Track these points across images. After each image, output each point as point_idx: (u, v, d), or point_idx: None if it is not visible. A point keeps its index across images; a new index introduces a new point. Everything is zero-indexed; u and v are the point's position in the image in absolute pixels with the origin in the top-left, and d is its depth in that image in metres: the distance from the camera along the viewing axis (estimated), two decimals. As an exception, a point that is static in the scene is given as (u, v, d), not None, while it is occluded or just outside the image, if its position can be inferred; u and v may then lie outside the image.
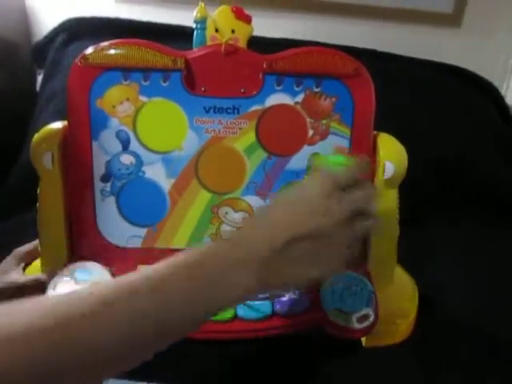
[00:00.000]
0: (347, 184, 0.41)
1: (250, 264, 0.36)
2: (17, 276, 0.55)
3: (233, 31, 0.52)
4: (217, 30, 0.52)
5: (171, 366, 0.50)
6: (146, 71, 0.52)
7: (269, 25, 0.75)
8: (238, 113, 0.53)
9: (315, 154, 0.53)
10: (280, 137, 0.55)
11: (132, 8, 0.92)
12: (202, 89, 0.53)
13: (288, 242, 0.37)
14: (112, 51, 0.52)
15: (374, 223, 0.43)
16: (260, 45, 0.54)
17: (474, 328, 0.57)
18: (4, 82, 0.88)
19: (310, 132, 0.55)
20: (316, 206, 0.39)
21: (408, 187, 0.56)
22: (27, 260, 0.58)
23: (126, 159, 0.54)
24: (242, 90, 0.53)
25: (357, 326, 0.50)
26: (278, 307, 0.52)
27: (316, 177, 0.41)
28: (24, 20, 0.95)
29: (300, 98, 0.53)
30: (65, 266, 0.53)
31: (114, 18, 0.90)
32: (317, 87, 0.53)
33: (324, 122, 0.54)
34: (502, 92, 0.93)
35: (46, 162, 0.53)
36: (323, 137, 0.55)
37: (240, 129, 0.54)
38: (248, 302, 0.52)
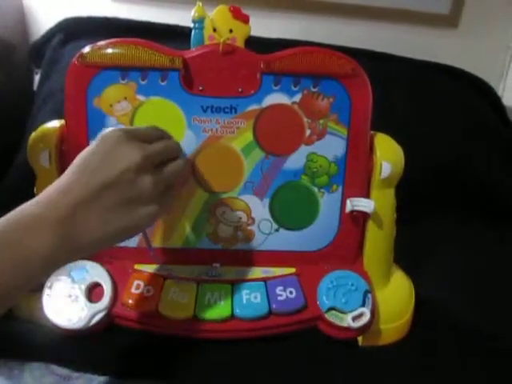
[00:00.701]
0: (148, 136, 0.44)
1: (47, 220, 0.36)
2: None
3: (231, 31, 0.52)
4: (215, 30, 0.52)
5: (167, 365, 0.50)
6: (143, 70, 0.52)
7: (266, 25, 0.75)
8: (236, 112, 0.54)
9: None
10: (277, 136, 0.55)
11: (129, 7, 0.92)
12: (200, 88, 0.53)
13: (90, 196, 0.38)
14: (110, 50, 0.51)
15: (182, 165, 0.46)
16: (257, 45, 0.54)
17: (471, 328, 0.58)
18: (1, 82, 0.88)
19: (308, 132, 0.55)
20: (113, 153, 0.40)
21: (405, 187, 0.56)
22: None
23: (124, 158, 0.54)
24: (240, 90, 0.53)
25: (353, 325, 0.51)
26: (274, 306, 0.52)
27: (116, 131, 0.42)
28: (21, 19, 0.95)
29: (297, 97, 0.54)
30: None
31: (112, 18, 0.90)
32: (314, 87, 0.53)
33: (321, 121, 0.54)
34: (499, 93, 0.94)
35: (43, 161, 0.53)
36: (320, 137, 0.55)
37: (237, 128, 0.54)
38: (244, 301, 0.52)
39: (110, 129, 0.43)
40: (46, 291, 0.50)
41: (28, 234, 0.35)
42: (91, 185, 0.38)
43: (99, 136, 0.42)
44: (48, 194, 0.38)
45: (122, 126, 0.53)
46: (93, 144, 0.41)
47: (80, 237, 0.37)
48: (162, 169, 0.43)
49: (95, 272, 0.52)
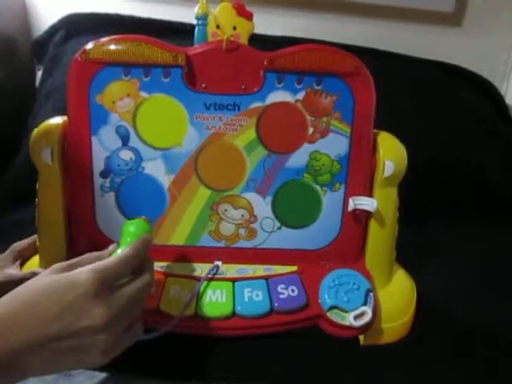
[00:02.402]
0: (118, 279, 0.40)
1: None
2: (14, 271, 0.55)
3: (234, 28, 0.52)
4: (218, 27, 0.52)
5: (168, 362, 0.50)
6: (146, 67, 0.52)
7: (269, 22, 0.75)
8: (239, 110, 0.53)
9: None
10: (280, 134, 0.55)
11: (132, 4, 0.92)
12: (203, 85, 0.53)
13: (44, 341, 0.36)
14: (112, 46, 0.51)
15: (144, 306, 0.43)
16: (260, 42, 0.54)
17: (472, 327, 0.58)
18: (4, 78, 0.88)
19: (311, 130, 0.54)
20: (79, 307, 0.37)
21: (408, 186, 0.56)
22: (25, 255, 0.58)
23: (126, 155, 0.54)
24: (243, 87, 0.53)
25: (354, 323, 0.50)
26: (276, 305, 0.52)
27: (84, 273, 0.38)
28: (24, 16, 0.95)
29: (301, 95, 0.53)
30: (63, 261, 0.53)
31: (114, 14, 0.90)
32: (317, 85, 0.53)
33: (324, 119, 0.54)
34: (502, 91, 0.94)
35: (46, 158, 0.52)
36: (323, 135, 0.55)
37: (240, 126, 0.54)
38: (246, 299, 0.52)
39: (83, 272, 0.38)
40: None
41: None
42: (44, 331, 0.36)
43: (70, 280, 0.38)
44: (3, 320, 0.35)
45: (125, 123, 0.53)
46: (61, 284, 0.38)
47: (22, 372, 0.36)
48: (126, 317, 0.40)
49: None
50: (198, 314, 0.51)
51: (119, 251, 0.43)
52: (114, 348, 0.39)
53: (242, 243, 0.57)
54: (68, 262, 0.42)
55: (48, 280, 0.38)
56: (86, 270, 0.39)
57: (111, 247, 0.46)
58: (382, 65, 0.77)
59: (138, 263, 0.43)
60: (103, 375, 0.48)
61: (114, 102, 0.53)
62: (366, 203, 0.54)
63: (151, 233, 0.47)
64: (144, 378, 0.49)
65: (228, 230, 0.57)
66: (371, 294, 0.53)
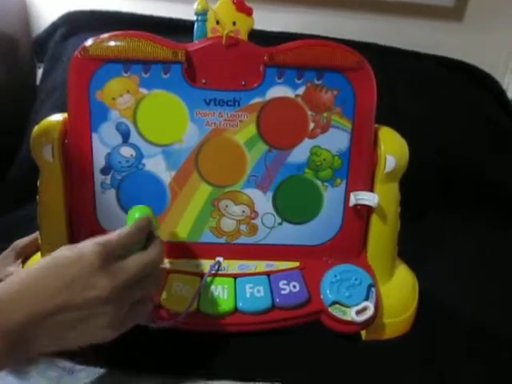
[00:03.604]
0: (123, 250, 0.41)
1: None
2: (15, 268, 0.55)
3: (234, 23, 0.52)
4: (218, 22, 0.52)
5: (170, 358, 0.50)
6: (146, 63, 0.52)
7: (269, 18, 0.74)
8: (239, 105, 0.53)
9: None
10: (281, 130, 0.54)
11: (132, 1, 0.92)
12: (203, 81, 0.52)
13: (47, 313, 0.36)
14: (112, 43, 0.51)
15: (155, 286, 0.44)
16: (260, 38, 0.53)
17: (474, 323, 0.57)
18: (4, 76, 0.88)
19: (311, 125, 0.54)
20: (83, 279, 0.37)
21: (409, 181, 0.56)
22: (27, 252, 0.58)
23: (126, 152, 0.54)
24: (243, 83, 0.53)
25: (356, 319, 0.50)
26: (277, 300, 0.52)
27: (89, 247, 0.39)
28: (24, 14, 0.95)
29: (301, 90, 0.53)
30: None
31: (114, 12, 0.89)
32: (318, 80, 0.53)
33: (325, 115, 0.54)
34: (504, 86, 0.93)
35: (47, 155, 0.52)
36: (324, 130, 0.55)
37: (241, 121, 0.54)
38: (247, 295, 0.52)
39: (87, 245, 0.39)
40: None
41: None
42: (51, 304, 0.37)
43: (76, 250, 0.39)
44: (6, 295, 0.36)
45: (125, 120, 0.53)
46: (67, 257, 0.39)
47: (31, 347, 0.37)
48: (132, 291, 0.41)
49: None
50: (200, 310, 0.51)
51: None
52: (122, 322, 0.40)
53: (243, 239, 0.57)
54: (75, 245, 0.42)
55: (53, 255, 0.39)
56: (90, 243, 0.40)
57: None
58: (383, 60, 0.76)
59: (144, 238, 0.44)
60: (105, 372, 0.49)
61: (113, 99, 0.53)
62: (367, 198, 0.54)
63: (153, 217, 0.48)
64: (146, 375, 0.49)
65: (229, 226, 0.57)
66: (373, 289, 0.53)
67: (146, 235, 0.44)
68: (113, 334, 0.40)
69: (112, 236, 0.41)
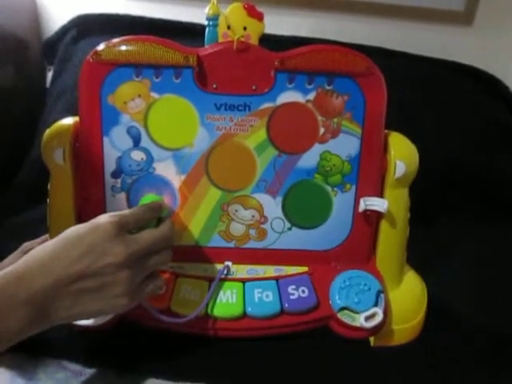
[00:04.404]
0: (136, 224, 0.45)
1: (21, 300, 0.37)
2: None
3: (245, 28, 0.52)
4: (229, 27, 0.52)
5: (178, 362, 0.50)
6: (157, 68, 0.52)
7: (278, 22, 0.74)
8: (249, 110, 0.53)
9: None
10: (291, 135, 0.54)
11: (142, 5, 0.92)
12: (214, 86, 0.53)
13: (67, 281, 0.39)
14: (124, 47, 0.51)
15: (166, 259, 0.46)
16: (270, 42, 0.53)
17: (483, 329, 0.57)
18: (14, 79, 0.88)
19: (321, 130, 0.54)
20: (99, 246, 0.40)
21: (418, 187, 0.56)
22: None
23: (137, 155, 0.54)
24: (254, 88, 0.53)
25: (365, 325, 0.50)
26: (286, 305, 0.52)
27: (104, 217, 0.43)
28: (34, 17, 0.96)
29: (311, 95, 0.53)
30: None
31: (124, 15, 0.90)
32: (328, 85, 0.53)
33: (335, 120, 0.54)
34: (513, 91, 0.93)
35: (57, 158, 0.53)
36: (334, 135, 0.54)
37: (251, 126, 0.54)
38: (256, 299, 0.52)
39: (102, 217, 0.43)
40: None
41: (1, 313, 0.36)
42: (70, 271, 0.39)
43: (91, 223, 0.42)
44: (26, 267, 0.38)
45: (136, 124, 0.53)
46: (83, 228, 0.42)
47: (53, 314, 0.39)
48: (146, 262, 0.44)
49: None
50: (209, 315, 0.51)
51: None
52: (136, 291, 0.43)
53: (253, 244, 0.57)
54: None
55: (71, 229, 0.42)
56: (106, 214, 0.43)
57: None
58: (392, 64, 0.76)
59: (154, 218, 0.47)
60: (113, 374, 0.49)
61: (125, 103, 0.53)
62: (376, 204, 0.54)
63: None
64: (154, 378, 0.49)
65: (238, 230, 0.57)
66: (382, 295, 0.52)
67: (157, 216, 0.48)
68: (128, 304, 0.42)
69: (126, 211, 0.45)
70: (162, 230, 0.46)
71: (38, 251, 0.40)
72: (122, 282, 0.41)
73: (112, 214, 0.43)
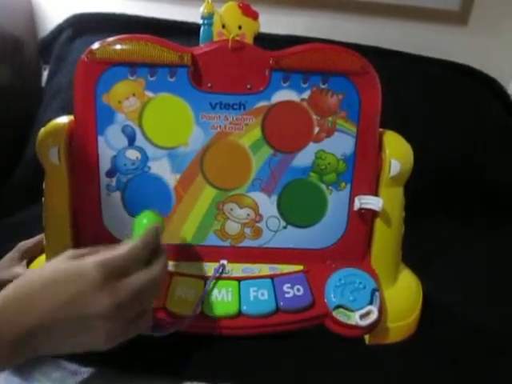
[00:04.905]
0: (128, 266, 0.41)
1: (3, 341, 0.36)
2: (20, 270, 0.55)
3: (240, 27, 0.52)
4: (224, 26, 0.52)
5: (174, 361, 0.50)
6: (152, 67, 0.52)
7: (274, 21, 0.75)
8: (244, 109, 0.53)
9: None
10: (286, 133, 0.55)
11: (138, 4, 0.92)
12: (209, 85, 0.53)
13: (47, 324, 0.37)
14: (118, 46, 0.51)
15: (156, 297, 0.44)
16: (265, 41, 0.53)
17: (478, 326, 0.57)
18: (10, 78, 0.88)
19: (316, 129, 0.54)
20: (84, 296, 0.38)
21: (415, 186, 0.56)
22: (32, 254, 0.58)
23: (132, 154, 0.54)
24: (249, 86, 0.53)
25: (360, 323, 0.50)
26: (281, 304, 0.52)
27: (92, 265, 0.40)
28: (30, 16, 0.96)
29: (306, 94, 0.53)
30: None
31: (120, 14, 0.90)
32: (323, 84, 0.53)
33: (330, 119, 0.54)
34: (509, 91, 0.93)
35: (52, 157, 0.53)
36: (329, 134, 0.55)
37: (246, 125, 0.54)
38: (251, 298, 0.52)
39: (90, 263, 0.40)
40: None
41: None
42: (55, 315, 0.38)
43: (78, 267, 0.40)
44: (11, 303, 0.38)
45: (131, 123, 0.53)
46: (71, 272, 0.40)
47: (33, 350, 0.38)
48: (133, 307, 0.41)
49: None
50: (204, 313, 0.51)
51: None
52: (119, 335, 0.41)
53: (248, 242, 0.57)
54: (81, 251, 0.43)
55: (59, 268, 0.40)
56: (94, 261, 0.40)
57: (122, 244, 0.46)
58: (387, 63, 0.76)
59: (148, 254, 0.44)
60: (109, 374, 0.49)
61: (120, 102, 0.53)
62: (371, 202, 0.54)
63: (162, 224, 0.48)
64: (149, 377, 0.49)
65: (233, 229, 0.57)
66: (377, 293, 0.53)
67: (151, 251, 0.44)
68: (110, 345, 0.41)
69: (116, 253, 0.41)
70: (153, 271, 0.43)
71: (26, 287, 0.39)
72: (104, 329, 0.39)
73: (102, 260, 0.40)
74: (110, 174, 0.55)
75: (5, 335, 0.36)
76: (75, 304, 0.38)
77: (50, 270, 0.40)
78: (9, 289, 0.39)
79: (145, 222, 0.47)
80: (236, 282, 0.54)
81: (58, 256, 0.42)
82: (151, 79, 0.52)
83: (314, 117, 0.54)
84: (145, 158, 0.55)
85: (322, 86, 0.53)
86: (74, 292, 0.38)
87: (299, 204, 0.57)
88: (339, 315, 0.51)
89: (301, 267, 0.56)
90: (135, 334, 0.43)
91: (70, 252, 0.42)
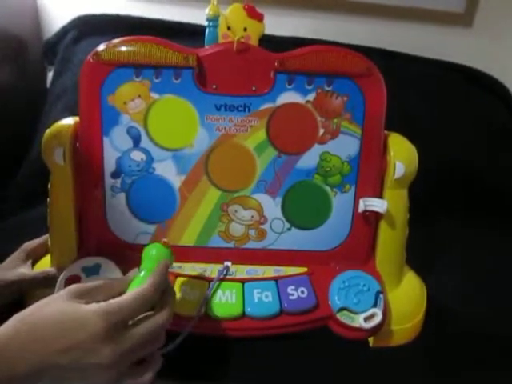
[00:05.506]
0: (134, 315, 0.40)
1: (1, 377, 0.35)
2: (25, 270, 0.55)
3: (245, 29, 0.52)
4: (229, 28, 0.52)
5: (178, 362, 0.50)
6: (157, 68, 0.52)
7: (278, 23, 0.74)
8: (249, 111, 0.53)
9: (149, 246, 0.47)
10: (290, 135, 0.55)
11: (143, 5, 0.92)
12: (214, 86, 0.53)
13: (48, 368, 0.36)
14: (124, 48, 0.52)
15: (157, 348, 0.42)
16: (270, 43, 0.54)
17: (482, 329, 0.57)
18: (15, 79, 0.89)
19: (321, 131, 0.54)
20: (87, 345, 0.37)
21: (418, 187, 0.56)
22: (37, 254, 0.58)
23: (137, 156, 0.55)
24: (254, 88, 0.53)
25: (364, 325, 0.50)
26: (285, 306, 0.52)
27: (96, 315, 0.38)
28: (35, 17, 0.96)
29: (311, 96, 0.53)
30: (74, 261, 0.53)
31: (124, 16, 0.90)
32: (328, 86, 0.53)
33: (335, 120, 0.54)
34: (513, 92, 0.93)
35: (58, 158, 0.53)
36: (334, 136, 0.55)
37: (251, 127, 0.54)
38: (255, 300, 0.52)
39: (94, 314, 0.38)
40: (59, 287, 0.51)
41: None
42: (57, 360, 0.37)
43: (82, 316, 0.38)
44: (12, 343, 0.36)
45: (136, 124, 0.53)
46: (72, 319, 0.38)
47: None
48: (136, 355, 0.40)
49: (108, 269, 0.53)
50: (208, 315, 0.51)
51: (142, 274, 0.43)
52: (119, 380, 0.40)
53: (252, 244, 0.57)
54: (85, 288, 0.41)
55: (61, 310, 0.39)
56: (98, 311, 0.38)
57: (131, 274, 0.45)
58: (392, 65, 0.76)
59: (157, 297, 0.42)
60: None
61: (125, 103, 0.53)
62: (376, 204, 0.54)
63: (171, 257, 0.46)
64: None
65: (238, 230, 0.57)
66: (381, 295, 0.52)
67: (161, 293, 0.43)
68: None
69: (123, 301, 0.40)
70: (158, 320, 0.41)
71: (26, 327, 0.37)
72: (104, 378, 0.38)
73: (106, 310, 0.38)
74: (115, 175, 0.55)
75: (4, 374, 0.35)
76: (77, 351, 0.37)
77: (51, 312, 0.39)
78: (8, 326, 0.37)
79: (154, 253, 0.46)
80: (240, 284, 0.54)
81: (60, 292, 0.41)
82: (156, 81, 0.52)
83: (319, 119, 0.54)
84: (149, 160, 0.55)
85: (327, 88, 0.53)
86: (76, 341, 0.37)
87: (303, 206, 0.57)
88: (343, 317, 0.51)
89: (305, 269, 0.56)
90: (137, 378, 0.41)
91: (74, 288, 0.41)
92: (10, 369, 0.35)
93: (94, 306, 0.39)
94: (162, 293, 0.43)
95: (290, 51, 0.53)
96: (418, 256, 0.59)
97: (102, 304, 0.39)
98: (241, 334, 0.52)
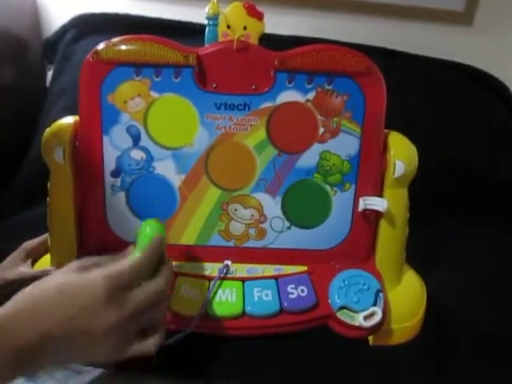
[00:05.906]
0: (132, 280, 0.41)
1: (6, 349, 0.35)
2: (25, 269, 0.55)
3: (245, 28, 0.52)
4: (228, 27, 0.52)
5: (178, 361, 0.50)
6: (157, 67, 0.52)
7: (278, 21, 0.74)
8: (249, 109, 0.53)
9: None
10: (290, 134, 0.55)
11: (142, 4, 0.92)
12: (214, 85, 0.53)
13: (53, 338, 0.37)
14: (124, 47, 0.51)
15: (162, 312, 0.43)
16: (270, 42, 0.54)
17: (482, 328, 0.57)
18: (14, 78, 0.89)
19: (321, 130, 0.54)
20: (89, 310, 0.38)
21: (418, 186, 0.56)
22: (37, 254, 0.58)
23: (137, 155, 0.54)
24: (253, 87, 0.53)
25: (364, 324, 0.50)
26: (285, 304, 0.52)
27: (97, 279, 0.39)
28: (35, 16, 0.96)
29: (311, 95, 0.53)
30: (74, 260, 0.53)
31: (124, 15, 0.90)
32: (328, 85, 0.53)
33: (335, 119, 0.54)
34: (512, 91, 0.93)
35: (57, 157, 0.53)
36: (334, 135, 0.55)
37: (251, 125, 0.54)
38: (255, 298, 0.52)
39: (95, 277, 0.39)
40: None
41: None
42: (61, 329, 0.37)
43: (83, 280, 0.39)
44: (15, 316, 0.37)
45: (136, 123, 0.53)
46: (77, 285, 0.39)
47: (36, 363, 0.38)
48: (138, 320, 0.41)
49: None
50: (208, 313, 0.51)
51: (137, 254, 0.44)
52: (125, 349, 0.41)
53: (252, 243, 0.57)
54: (86, 263, 0.42)
55: (64, 281, 0.40)
56: (99, 275, 0.40)
57: (128, 252, 0.46)
58: (392, 64, 0.77)
59: (153, 266, 0.44)
60: (112, 373, 0.49)
61: (125, 102, 0.53)
62: (376, 203, 0.54)
63: (164, 233, 0.47)
64: (152, 377, 0.49)
65: (238, 229, 0.57)
66: (381, 294, 0.52)
67: (156, 262, 0.44)
68: (115, 359, 0.41)
69: (121, 266, 0.41)
70: (158, 283, 0.43)
71: (31, 298, 0.38)
72: (109, 343, 0.39)
73: (107, 273, 0.40)
74: (115, 174, 0.55)
75: (8, 347, 0.35)
76: (81, 318, 0.38)
77: (54, 283, 0.40)
78: (15, 300, 0.38)
79: (148, 230, 0.46)
80: (240, 283, 0.54)
81: (63, 267, 0.42)
82: (156, 79, 0.52)
83: (319, 117, 0.54)
84: (149, 159, 0.55)
85: (327, 87, 0.53)
86: (80, 306, 0.38)
87: (303, 205, 0.57)
88: (343, 316, 0.51)
89: (305, 268, 0.56)
90: (141, 351, 0.42)
91: (75, 263, 0.42)
92: (16, 342, 0.36)
93: (95, 272, 0.40)
94: (157, 262, 0.44)
95: (290, 50, 0.53)
96: (417, 255, 0.59)
97: (103, 269, 0.40)
98: (241, 332, 0.52)
